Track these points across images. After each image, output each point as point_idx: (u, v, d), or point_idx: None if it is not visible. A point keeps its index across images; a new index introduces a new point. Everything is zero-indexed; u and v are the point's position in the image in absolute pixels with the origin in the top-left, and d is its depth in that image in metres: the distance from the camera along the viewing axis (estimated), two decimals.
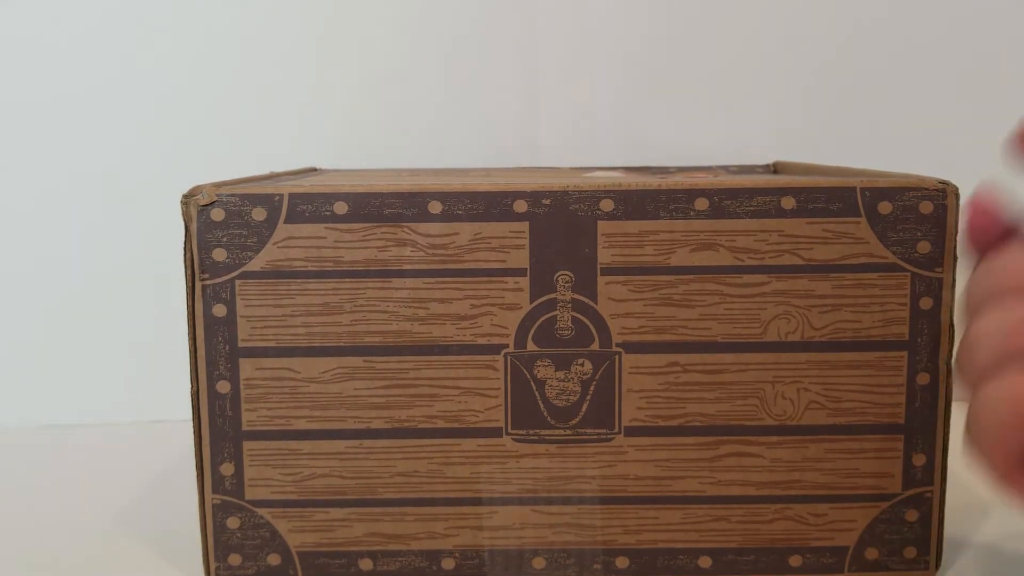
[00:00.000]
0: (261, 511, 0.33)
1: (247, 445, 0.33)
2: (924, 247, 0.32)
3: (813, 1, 0.55)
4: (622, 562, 0.33)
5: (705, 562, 0.33)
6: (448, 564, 0.33)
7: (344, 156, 0.54)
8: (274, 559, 0.33)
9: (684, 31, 0.56)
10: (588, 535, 0.33)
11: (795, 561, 0.33)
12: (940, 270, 0.32)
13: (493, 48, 0.55)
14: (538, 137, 0.56)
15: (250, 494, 0.33)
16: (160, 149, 0.54)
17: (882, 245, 0.32)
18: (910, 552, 0.33)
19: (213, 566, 0.33)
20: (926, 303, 0.32)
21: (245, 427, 0.32)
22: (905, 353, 0.32)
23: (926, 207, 0.32)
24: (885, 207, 0.32)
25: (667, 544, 0.33)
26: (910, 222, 0.32)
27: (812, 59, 0.56)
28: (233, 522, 0.33)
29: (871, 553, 0.33)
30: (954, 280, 0.32)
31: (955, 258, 0.32)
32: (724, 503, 0.33)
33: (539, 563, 0.33)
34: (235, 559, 0.33)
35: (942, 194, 0.32)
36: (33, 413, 0.55)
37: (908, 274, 0.32)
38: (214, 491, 0.33)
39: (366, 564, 0.33)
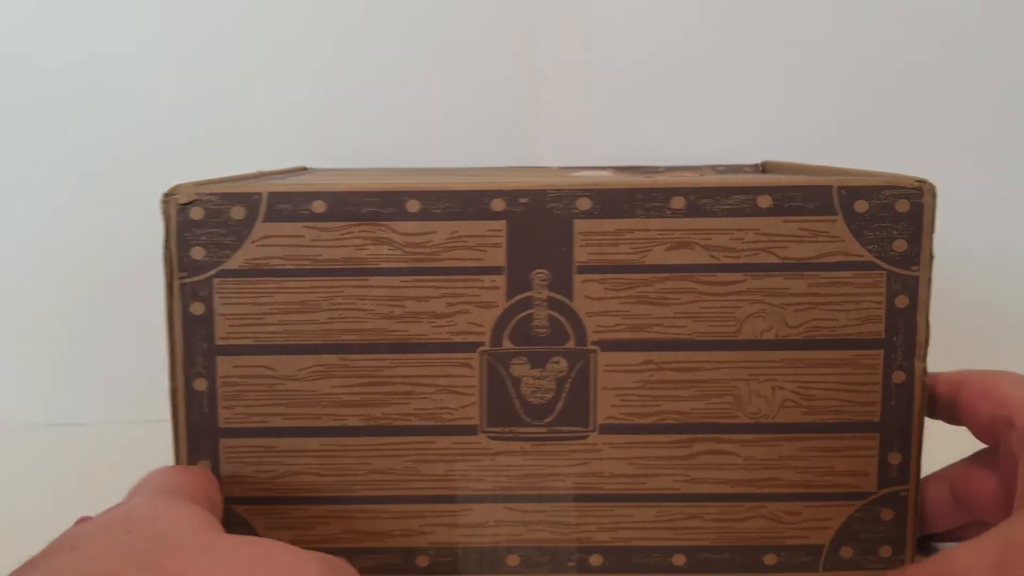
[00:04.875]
0: (238, 508, 0.33)
1: (224, 443, 0.33)
2: (900, 245, 0.32)
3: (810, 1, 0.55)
4: (596, 560, 0.33)
5: (679, 560, 0.33)
6: (423, 561, 0.33)
7: (335, 156, 0.55)
8: None
9: (680, 32, 0.56)
10: (562, 532, 0.33)
11: (770, 559, 0.33)
12: (916, 268, 0.32)
13: (490, 48, 0.55)
14: (534, 138, 0.56)
15: (227, 491, 0.33)
16: (155, 147, 0.54)
17: (858, 243, 0.32)
18: (885, 551, 0.33)
19: None
20: (902, 301, 0.32)
21: (222, 424, 0.33)
22: (881, 351, 0.33)
23: (903, 205, 0.32)
24: (861, 205, 0.32)
25: (641, 542, 0.33)
26: (886, 220, 0.32)
27: (807, 59, 0.56)
28: None
29: (846, 552, 0.33)
30: (930, 278, 0.32)
31: (931, 256, 0.32)
32: (698, 501, 0.33)
33: (513, 560, 0.33)
34: None
35: (919, 192, 0.32)
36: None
37: (884, 272, 0.32)
38: None
39: None
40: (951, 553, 0.24)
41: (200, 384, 0.32)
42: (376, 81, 0.55)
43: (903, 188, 0.32)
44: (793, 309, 0.32)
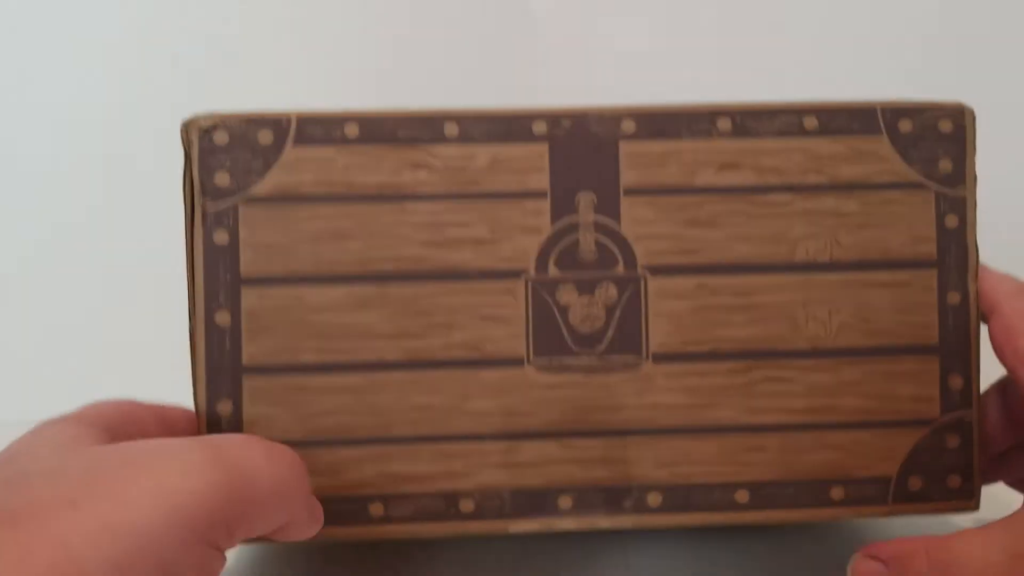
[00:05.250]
0: None
1: (247, 382, 0.30)
2: (946, 166, 0.32)
3: None
4: (654, 499, 0.31)
5: (742, 496, 0.31)
6: (467, 506, 0.31)
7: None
8: None
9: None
10: (617, 470, 0.31)
11: (836, 494, 0.31)
12: (963, 188, 0.32)
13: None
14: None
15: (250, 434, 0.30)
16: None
17: (904, 163, 0.32)
18: (954, 481, 0.32)
19: None
20: (952, 221, 0.32)
21: (246, 362, 0.30)
22: (935, 272, 0.32)
23: (945, 125, 0.32)
24: (905, 125, 0.32)
25: (702, 478, 0.31)
26: (930, 140, 0.32)
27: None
28: None
29: (914, 483, 0.32)
30: (975, 201, 0.32)
31: (975, 178, 0.32)
32: (760, 432, 0.31)
33: (565, 502, 0.31)
34: None
35: (960, 113, 0.32)
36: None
37: (932, 192, 0.32)
38: (209, 433, 0.30)
39: (376, 509, 0.30)
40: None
41: (222, 318, 0.30)
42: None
43: (945, 108, 0.32)
44: (845, 230, 0.31)
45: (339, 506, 0.30)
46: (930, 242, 0.32)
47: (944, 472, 0.32)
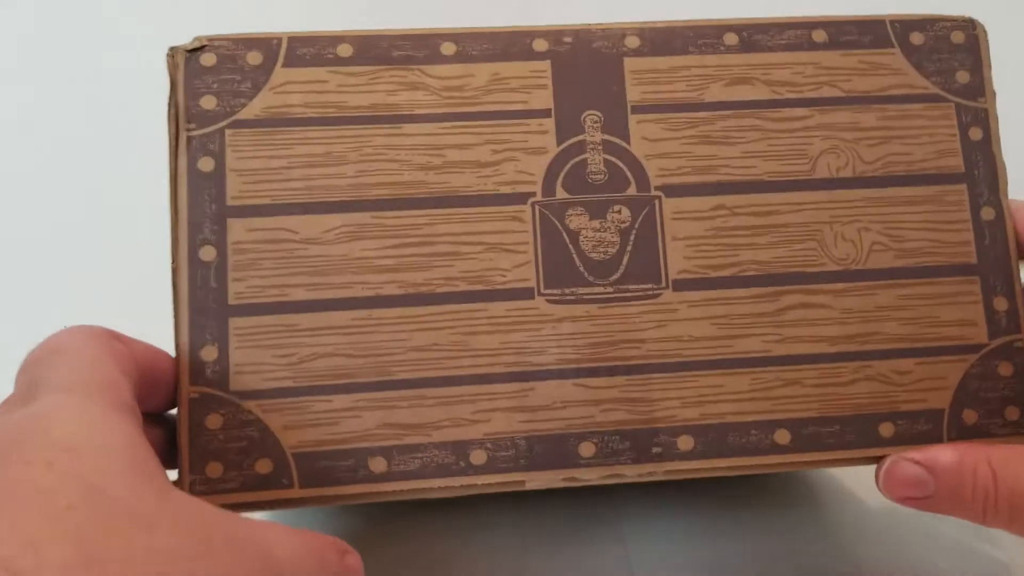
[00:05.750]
0: (248, 404, 0.27)
1: (234, 323, 0.27)
2: (963, 76, 0.30)
3: None
4: (685, 442, 0.28)
5: (783, 437, 0.28)
6: (479, 458, 0.27)
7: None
8: (264, 465, 0.27)
9: None
10: (642, 412, 0.28)
11: (886, 430, 0.28)
12: (984, 100, 0.30)
13: None
14: None
15: (236, 383, 0.27)
16: None
17: (920, 75, 0.30)
18: (1012, 412, 0.29)
19: (187, 480, 0.26)
20: (975, 134, 0.30)
21: (232, 300, 0.27)
22: (964, 186, 0.30)
23: (958, 37, 0.31)
24: (917, 38, 0.30)
25: (736, 417, 0.28)
26: (944, 52, 0.30)
27: None
28: (214, 420, 0.27)
29: (969, 415, 0.29)
30: (997, 114, 0.31)
31: (993, 92, 0.31)
32: (795, 364, 0.29)
33: (587, 450, 0.28)
34: (215, 468, 0.27)
35: (971, 24, 0.31)
36: None
37: (952, 104, 0.30)
38: (192, 382, 0.27)
39: (378, 465, 0.27)
40: None
41: (207, 253, 0.28)
42: None
43: (955, 20, 0.31)
44: (866, 144, 0.30)
45: (335, 463, 0.27)
46: (955, 155, 0.30)
47: (1000, 403, 0.29)
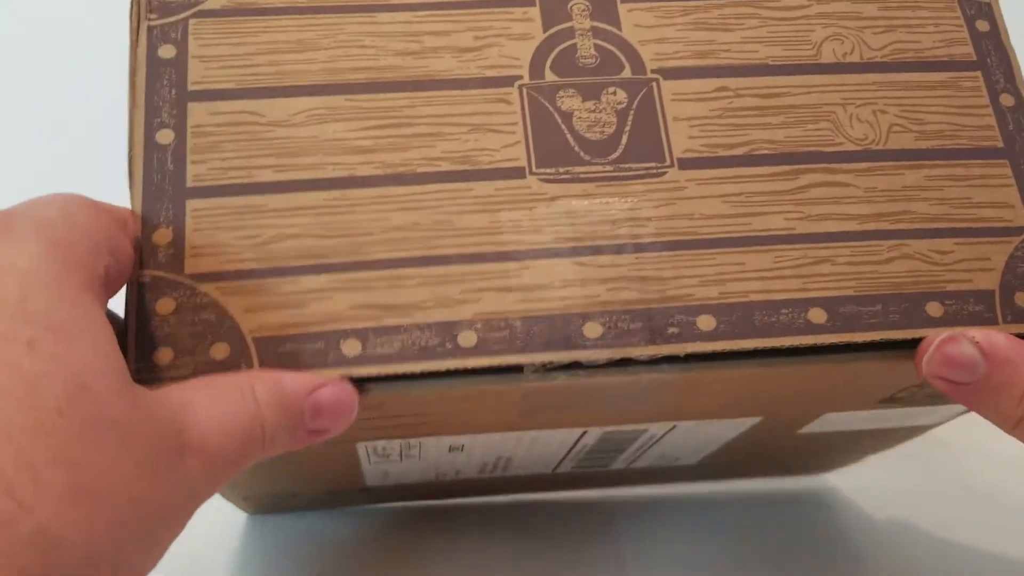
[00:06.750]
0: (205, 287, 0.24)
1: (191, 205, 0.24)
2: None
3: None
4: (706, 322, 0.24)
5: (818, 315, 0.24)
6: (468, 339, 0.23)
7: None
8: (220, 351, 0.23)
9: None
10: (655, 290, 0.24)
11: (934, 310, 0.25)
12: None
13: None
14: None
15: (191, 266, 0.24)
16: None
17: None
18: None
19: (132, 367, 0.23)
20: (982, 25, 0.29)
21: (191, 183, 0.25)
22: (979, 73, 0.28)
23: None
24: None
25: (762, 295, 0.25)
26: None
27: None
28: (165, 305, 0.23)
29: (1021, 299, 0.25)
30: (1001, 13, 0.29)
31: None
32: (824, 242, 0.25)
33: (593, 330, 0.24)
34: (164, 355, 0.23)
35: None
36: None
37: None
38: (143, 266, 0.24)
39: (351, 347, 0.23)
40: None
41: (164, 136, 0.25)
42: None
43: None
44: (871, 32, 0.28)
45: (302, 346, 0.23)
46: (965, 44, 0.28)
47: None
